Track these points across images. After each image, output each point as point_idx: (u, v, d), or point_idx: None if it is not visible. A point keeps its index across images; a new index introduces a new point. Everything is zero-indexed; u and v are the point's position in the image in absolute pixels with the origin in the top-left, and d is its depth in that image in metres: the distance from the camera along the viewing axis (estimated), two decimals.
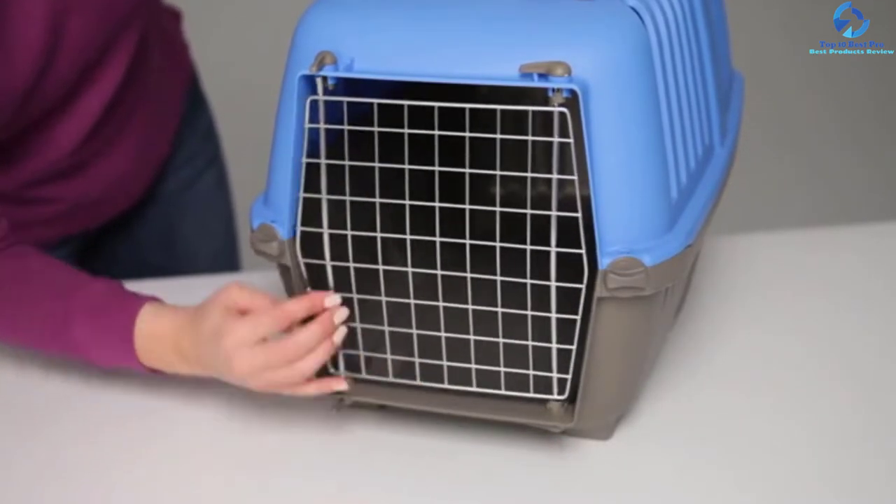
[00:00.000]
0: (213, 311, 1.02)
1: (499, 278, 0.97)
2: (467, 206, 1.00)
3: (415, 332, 1.02)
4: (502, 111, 0.95)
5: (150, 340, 1.06)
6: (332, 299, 1.01)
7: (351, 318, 1.03)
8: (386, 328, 1.03)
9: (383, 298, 1.02)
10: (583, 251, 0.93)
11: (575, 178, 0.94)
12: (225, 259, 1.52)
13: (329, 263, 1.01)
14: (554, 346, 0.98)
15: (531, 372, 1.00)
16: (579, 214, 0.92)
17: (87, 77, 1.19)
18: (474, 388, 1.02)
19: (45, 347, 1.11)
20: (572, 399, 1.01)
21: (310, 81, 0.96)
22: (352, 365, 1.05)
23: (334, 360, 1.05)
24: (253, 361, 1.00)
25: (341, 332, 1.01)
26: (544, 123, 1.18)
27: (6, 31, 1.08)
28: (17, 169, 1.20)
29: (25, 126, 1.17)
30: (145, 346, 1.06)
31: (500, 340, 1.00)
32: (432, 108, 0.96)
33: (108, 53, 1.20)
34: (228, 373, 1.02)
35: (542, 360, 0.99)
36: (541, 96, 0.91)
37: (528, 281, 0.97)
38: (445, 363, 1.02)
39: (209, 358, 1.02)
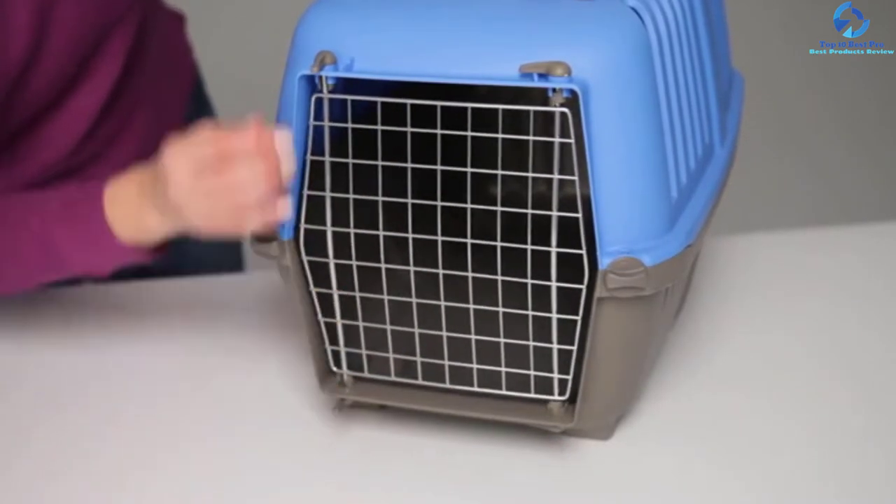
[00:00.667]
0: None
1: (500, 278, 0.98)
2: (469, 206, 1.00)
3: (416, 331, 1.02)
4: (500, 111, 0.95)
5: (120, 201, 1.04)
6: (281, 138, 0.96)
7: (353, 316, 1.03)
8: (388, 327, 1.03)
9: (385, 297, 1.02)
10: (583, 251, 0.93)
11: (575, 178, 0.94)
12: (229, 261, 1.52)
13: (332, 262, 1.01)
14: (555, 346, 0.98)
15: (532, 372, 1.00)
16: (580, 214, 0.93)
17: (81, 73, 1.18)
18: (475, 388, 1.02)
19: (34, 278, 1.10)
20: (573, 399, 1.01)
21: (310, 81, 0.96)
22: (354, 364, 1.05)
23: (337, 359, 1.05)
24: (188, 163, 0.96)
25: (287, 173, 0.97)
26: (543, 124, 1.18)
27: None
28: (15, 171, 1.20)
29: (20, 124, 1.16)
30: (116, 212, 1.04)
31: (501, 340, 1.00)
32: (429, 108, 0.96)
33: (102, 48, 1.20)
34: (166, 188, 0.98)
35: (543, 360, 0.99)
36: (540, 96, 0.91)
37: (529, 281, 0.97)
38: (447, 363, 1.02)
39: (156, 177, 1.00)
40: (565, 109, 0.90)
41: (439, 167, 0.97)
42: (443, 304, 1.00)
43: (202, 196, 0.97)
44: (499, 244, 0.96)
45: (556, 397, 1.01)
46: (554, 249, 0.94)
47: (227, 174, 0.95)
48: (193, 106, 1.44)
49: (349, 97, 0.97)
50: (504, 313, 0.99)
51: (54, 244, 1.06)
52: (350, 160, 0.99)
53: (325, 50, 0.94)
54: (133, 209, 1.04)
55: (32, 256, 1.08)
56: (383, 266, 1.01)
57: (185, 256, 1.47)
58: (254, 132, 0.95)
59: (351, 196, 0.99)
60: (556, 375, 1.00)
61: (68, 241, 1.06)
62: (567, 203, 0.96)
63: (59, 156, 1.21)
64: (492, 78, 0.91)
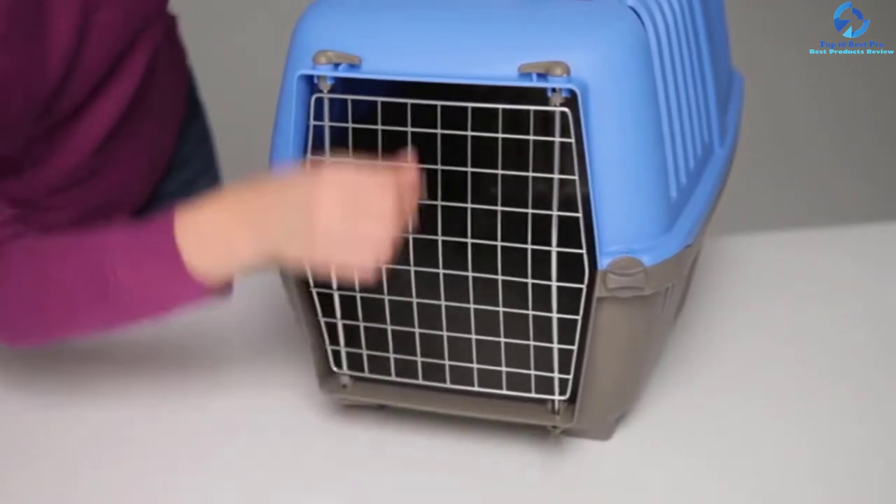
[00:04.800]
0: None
1: (500, 278, 0.98)
2: (469, 206, 1.00)
3: (416, 331, 1.02)
4: (500, 111, 0.95)
5: (201, 228, 0.96)
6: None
7: (353, 316, 1.03)
8: (388, 326, 1.03)
9: (385, 297, 1.02)
10: (583, 251, 0.93)
11: (575, 177, 0.94)
12: None
13: None
14: (555, 346, 0.98)
15: (532, 372, 1.00)
16: (580, 214, 0.93)
17: (109, 77, 1.19)
18: (475, 388, 1.02)
19: (92, 318, 1.00)
20: (573, 399, 1.01)
21: (309, 81, 0.96)
22: (354, 364, 1.05)
23: (337, 359, 1.05)
24: (340, 203, 0.92)
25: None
26: (543, 123, 1.18)
27: (43, 25, 1.09)
28: (37, 176, 1.20)
29: (49, 128, 1.16)
30: (192, 242, 0.96)
31: (502, 340, 1.00)
32: (429, 108, 0.96)
33: (131, 52, 1.20)
34: (309, 218, 0.92)
35: (543, 360, 0.99)
36: (540, 96, 0.91)
37: (529, 281, 0.97)
38: (447, 363, 1.02)
39: (291, 201, 0.93)
40: (565, 109, 0.90)
41: (439, 167, 0.97)
42: (443, 304, 1.01)
43: (338, 238, 0.92)
44: (499, 244, 0.96)
45: (557, 397, 1.01)
46: (554, 249, 0.94)
47: (365, 223, 0.92)
48: (189, 106, 1.44)
49: (349, 97, 0.97)
50: (504, 313, 0.99)
51: (117, 284, 0.97)
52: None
53: (324, 49, 0.94)
54: (219, 236, 0.96)
55: (88, 297, 0.98)
56: (383, 266, 1.01)
57: None
58: (394, 180, 0.92)
59: None
60: (556, 375, 1.00)
61: (130, 276, 0.97)
62: (567, 203, 0.96)
63: (80, 160, 1.21)
64: (491, 78, 0.91)
